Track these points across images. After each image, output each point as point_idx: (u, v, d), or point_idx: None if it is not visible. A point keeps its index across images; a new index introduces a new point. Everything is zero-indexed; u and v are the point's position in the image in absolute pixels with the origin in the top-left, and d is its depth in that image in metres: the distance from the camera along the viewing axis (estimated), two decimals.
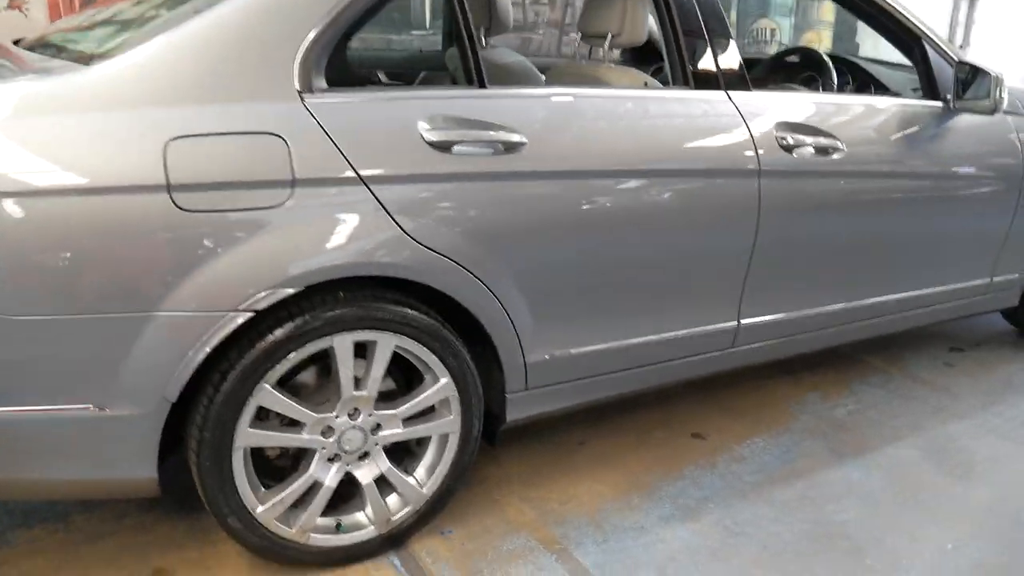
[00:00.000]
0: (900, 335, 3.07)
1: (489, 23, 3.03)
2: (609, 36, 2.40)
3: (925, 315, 2.84)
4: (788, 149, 2.25)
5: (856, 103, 2.53)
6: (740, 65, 2.26)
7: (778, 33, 6.40)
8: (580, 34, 2.61)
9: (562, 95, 2.09)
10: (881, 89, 2.93)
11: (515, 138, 1.88)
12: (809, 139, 2.29)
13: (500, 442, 2.22)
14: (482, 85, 1.93)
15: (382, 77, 3.13)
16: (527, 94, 2.05)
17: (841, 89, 2.97)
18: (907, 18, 2.57)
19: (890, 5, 2.54)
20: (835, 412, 2.73)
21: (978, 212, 2.75)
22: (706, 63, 2.22)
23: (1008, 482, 2.35)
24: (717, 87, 2.22)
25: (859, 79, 3.00)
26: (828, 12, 6.77)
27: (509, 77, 2.84)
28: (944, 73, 2.60)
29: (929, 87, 2.63)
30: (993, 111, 2.49)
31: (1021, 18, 8.06)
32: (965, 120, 2.63)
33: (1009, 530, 2.14)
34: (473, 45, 1.93)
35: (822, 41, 6.78)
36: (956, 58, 2.59)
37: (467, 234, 1.86)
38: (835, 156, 2.34)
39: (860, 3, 2.53)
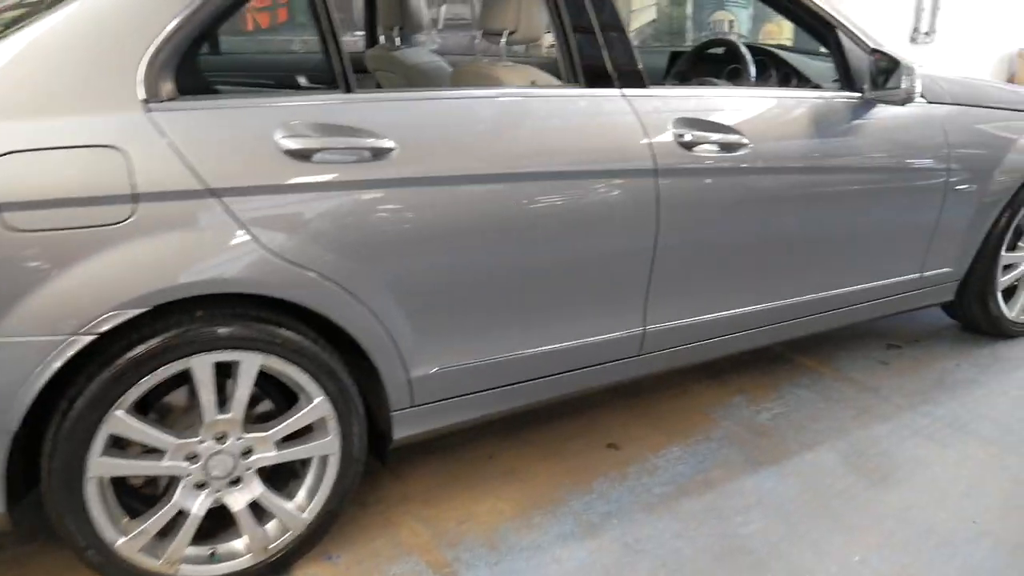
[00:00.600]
0: (836, 332, 2.99)
1: (402, 21, 2.94)
2: (505, 33, 2.31)
3: (852, 313, 2.75)
4: (688, 146, 2.17)
5: (764, 96, 2.44)
6: (634, 61, 2.17)
7: (736, 25, 6.30)
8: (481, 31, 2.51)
9: (437, 97, 2.00)
10: (803, 81, 2.83)
11: (383, 144, 1.79)
12: (711, 135, 2.21)
13: (390, 460, 2.14)
14: (348, 89, 1.84)
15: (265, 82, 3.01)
16: (397, 97, 1.96)
17: (763, 81, 2.87)
18: (819, 6, 2.48)
19: None
20: (758, 417, 2.65)
21: (903, 206, 2.66)
22: (597, 59, 2.13)
23: (925, 487, 2.27)
24: (609, 84, 2.13)
25: (782, 71, 2.91)
26: None
27: (419, 77, 2.76)
28: (861, 63, 2.51)
29: (845, 78, 2.54)
30: (905, 102, 2.40)
31: (987, 4, 7.98)
32: (885, 111, 2.54)
33: (918, 539, 2.06)
34: (338, 45, 1.83)
35: (783, 32, 6.67)
36: (871, 47, 2.49)
37: (334, 246, 1.77)
38: (740, 152, 2.25)
39: None
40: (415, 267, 1.88)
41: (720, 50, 3.01)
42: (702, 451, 2.46)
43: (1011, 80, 8.45)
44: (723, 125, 2.23)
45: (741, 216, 2.32)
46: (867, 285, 2.71)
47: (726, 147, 2.23)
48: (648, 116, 2.13)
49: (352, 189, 1.78)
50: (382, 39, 3.21)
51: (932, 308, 3.07)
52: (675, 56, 3.35)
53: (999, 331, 3.14)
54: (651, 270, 2.21)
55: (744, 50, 2.81)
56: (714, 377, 2.89)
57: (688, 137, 2.16)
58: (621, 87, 2.14)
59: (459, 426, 2.15)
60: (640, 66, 2.18)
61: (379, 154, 1.79)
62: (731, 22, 6.24)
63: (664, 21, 6.16)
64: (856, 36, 2.52)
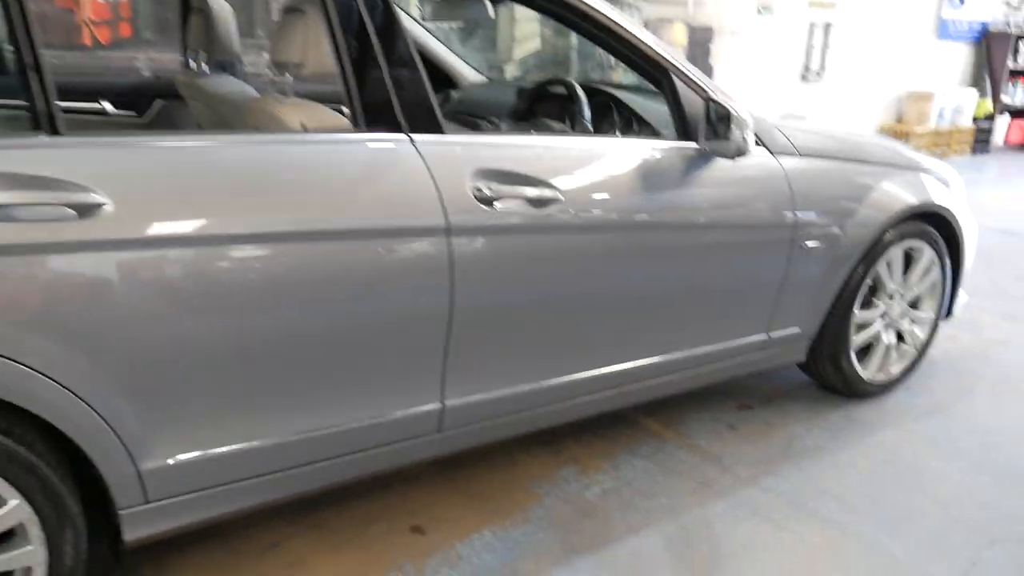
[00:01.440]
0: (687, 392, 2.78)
1: (208, 45, 2.63)
2: (291, 66, 2.03)
3: (692, 378, 2.55)
4: (487, 201, 1.91)
5: (583, 145, 2.21)
6: (428, 101, 1.91)
7: None
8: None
9: (170, 144, 1.70)
10: (645, 127, 2.63)
11: (92, 199, 1.48)
12: (517, 189, 1.96)
13: (123, 562, 1.81)
14: (55, 131, 1.52)
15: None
16: (116, 143, 1.65)
17: (602, 127, 2.65)
18: (651, 48, 2.27)
19: (631, 33, 2.23)
20: (587, 492, 2.40)
21: (743, 265, 2.47)
22: (382, 99, 1.86)
23: None
24: (396, 128, 1.87)
25: (627, 116, 2.70)
26: (680, 33, 6.58)
27: (222, 109, 2.46)
28: (698, 111, 2.30)
29: (681, 126, 2.34)
30: (735, 155, 2.21)
31: (876, 42, 8.08)
32: (724, 163, 2.34)
33: None
34: (41, 73, 1.52)
35: None
36: (708, 94, 2.29)
37: (29, 323, 1.45)
38: (551, 208, 2.01)
39: (595, 31, 2.21)
40: (141, 346, 1.58)
41: (563, 90, 2.79)
42: (516, 536, 2.19)
43: (899, 120, 8.58)
44: (532, 177, 1.99)
45: (554, 278, 2.08)
46: (707, 348, 2.50)
47: (535, 202, 1.99)
48: (441, 166, 1.87)
49: (49, 253, 1.47)
50: (191, 62, 2.89)
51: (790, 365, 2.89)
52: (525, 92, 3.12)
53: (854, 392, 2.98)
54: (447, 340, 1.95)
55: (579, 92, 2.58)
56: (547, 444, 2.64)
57: (488, 191, 1.91)
58: (410, 132, 1.88)
59: (219, 520, 1.84)
60: (435, 108, 1.92)
61: (86, 211, 1.48)
62: None
63: (548, 51, 5.98)
64: (692, 81, 2.32)
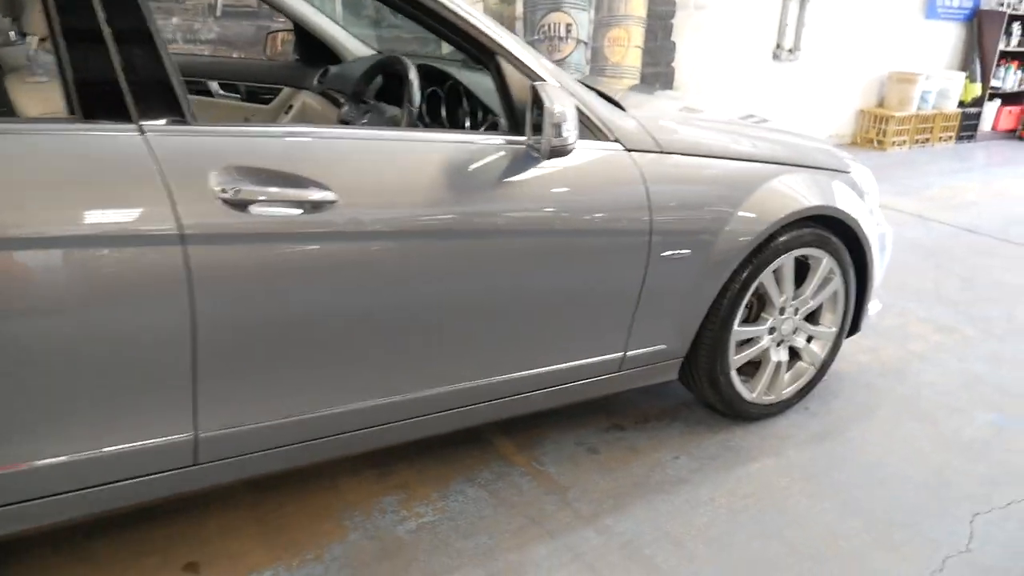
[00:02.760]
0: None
1: (13, 11, 2.33)
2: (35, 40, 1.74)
3: (532, 401, 2.27)
4: (238, 205, 1.63)
5: (374, 139, 1.88)
6: (168, 84, 1.62)
7: (575, 29, 5.80)
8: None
9: None
10: (488, 117, 2.32)
11: None
12: (278, 190, 1.68)
13: None
14: None
15: None
16: None
17: (445, 113, 2.35)
18: (475, 26, 1.96)
19: (448, 8, 1.92)
20: (400, 527, 2.14)
21: (586, 277, 2.18)
22: (105, 81, 1.57)
23: None
24: (123, 117, 1.58)
25: (475, 102, 2.39)
26: (639, 6, 6.21)
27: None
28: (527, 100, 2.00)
29: (511, 118, 2.04)
30: (550, 155, 1.90)
31: (857, 20, 7.68)
32: (559, 160, 2.04)
33: None
34: None
35: (631, 40, 6.22)
36: (536, 78, 2.00)
37: None
38: (325, 213, 1.73)
39: (405, 4, 1.91)
40: None
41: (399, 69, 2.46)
42: None
43: (880, 104, 8.21)
44: (300, 176, 1.71)
45: (332, 292, 1.80)
46: (548, 368, 2.23)
47: (303, 205, 1.70)
48: (176, 163, 1.59)
49: None
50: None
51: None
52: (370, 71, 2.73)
53: (737, 414, 2.71)
54: (193, 364, 1.68)
55: (412, 74, 2.27)
56: (378, 465, 2.38)
57: (237, 192, 1.63)
58: (141, 121, 1.59)
59: None
60: (178, 93, 1.63)
61: None
62: (568, 26, 5.74)
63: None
64: (523, 64, 2.02)
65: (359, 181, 1.80)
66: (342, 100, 2.81)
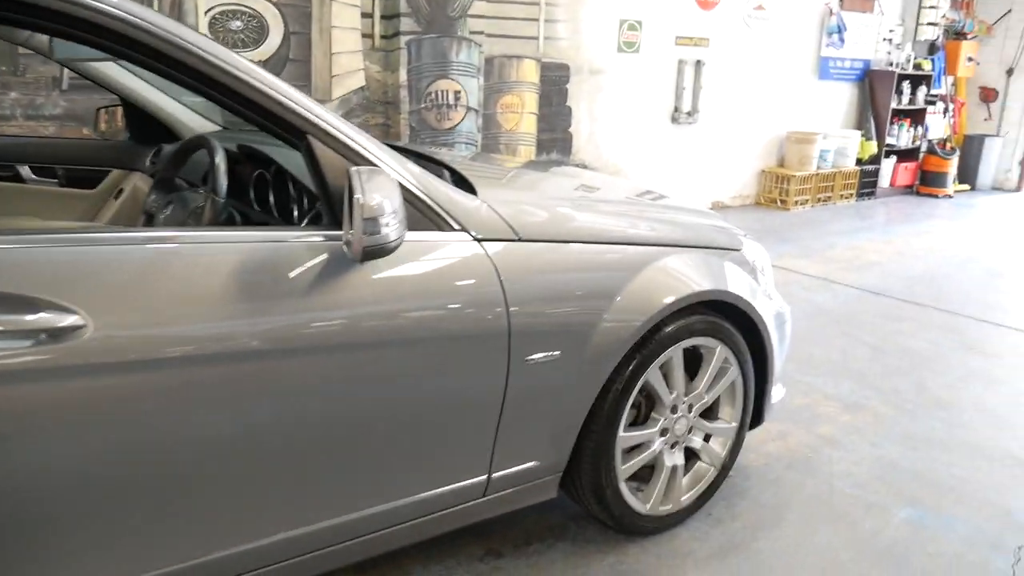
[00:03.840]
0: None
1: None
2: None
3: (383, 541, 1.88)
4: None
5: (146, 242, 1.49)
6: None
7: (464, 96, 5.56)
8: None
9: None
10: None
11: None
12: (4, 318, 1.28)
13: None
14: None
15: None
16: None
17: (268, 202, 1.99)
18: (277, 99, 1.61)
19: (239, 79, 1.57)
20: None
21: (436, 391, 1.83)
22: None
23: None
24: None
25: (302, 187, 2.04)
26: (531, 71, 6.03)
27: None
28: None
29: (331, 210, 1.69)
30: (363, 258, 1.55)
31: (752, 82, 7.70)
32: (409, 249, 1.71)
33: None
34: None
35: (524, 106, 6.03)
36: (358, 165, 1.66)
37: None
38: (70, 342, 1.33)
39: (190, 79, 1.55)
40: None
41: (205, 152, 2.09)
42: None
43: (780, 164, 8.22)
44: (34, 299, 1.32)
45: (78, 447, 1.40)
46: (391, 504, 1.85)
47: (36, 334, 1.31)
48: None
49: None
50: None
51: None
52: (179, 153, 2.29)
53: (630, 530, 2.37)
54: None
55: (219, 158, 1.90)
56: None
57: None
58: None
59: None
60: None
61: None
62: (457, 93, 5.50)
63: (376, 88, 5.34)
64: (344, 146, 1.68)
65: (120, 298, 1.41)
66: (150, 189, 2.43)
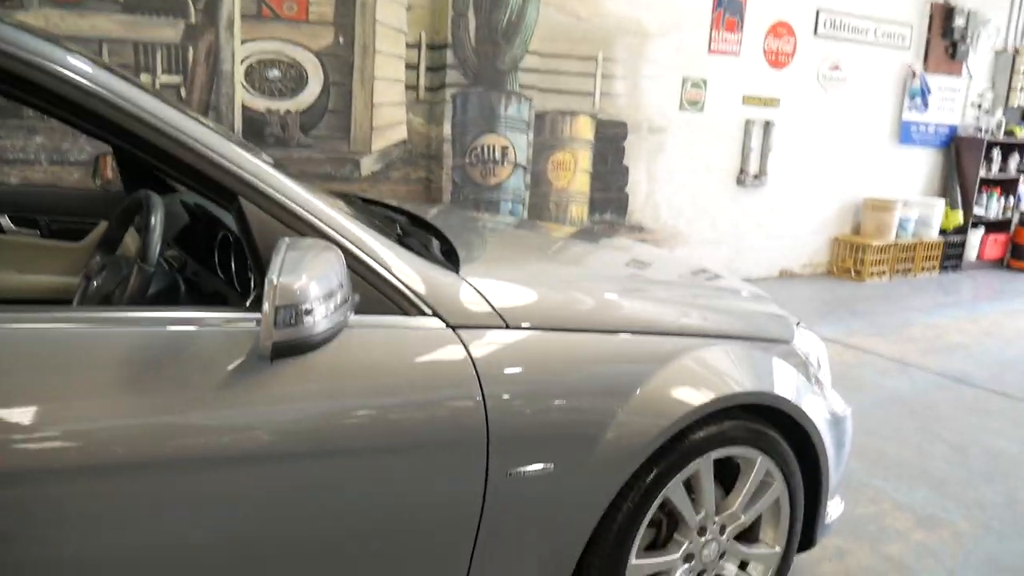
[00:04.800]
0: None
1: None
2: None
3: None
4: None
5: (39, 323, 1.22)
6: None
7: (511, 152, 5.29)
8: None
9: None
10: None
11: None
12: None
13: None
14: None
15: None
16: None
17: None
18: (205, 154, 1.33)
19: (156, 120, 1.29)
20: None
21: (388, 511, 1.48)
22: None
23: None
24: None
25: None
26: (585, 128, 5.74)
27: None
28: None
29: (260, 281, 1.38)
30: (272, 355, 1.23)
31: (826, 145, 7.26)
32: (357, 339, 1.39)
33: None
34: None
35: (577, 164, 5.72)
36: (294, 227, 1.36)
37: None
38: None
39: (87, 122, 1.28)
40: None
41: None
42: None
43: (856, 232, 7.72)
44: None
45: None
46: None
47: None
48: None
49: None
50: None
51: None
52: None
53: None
54: None
55: (155, 220, 1.61)
56: None
57: None
58: None
59: None
60: None
61: None
62: (504, 148, 5.23)
63: (419, 142, 5.11)
64: (283, 209, 1.38)
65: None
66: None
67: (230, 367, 1.29)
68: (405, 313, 1.49)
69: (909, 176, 8.10)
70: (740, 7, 6.42)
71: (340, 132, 4.79)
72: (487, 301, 1.60)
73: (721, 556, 2.02)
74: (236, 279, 1.84)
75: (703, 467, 1.88)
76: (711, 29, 6.29)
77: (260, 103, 4.55)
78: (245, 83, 4.50)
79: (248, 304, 1.41)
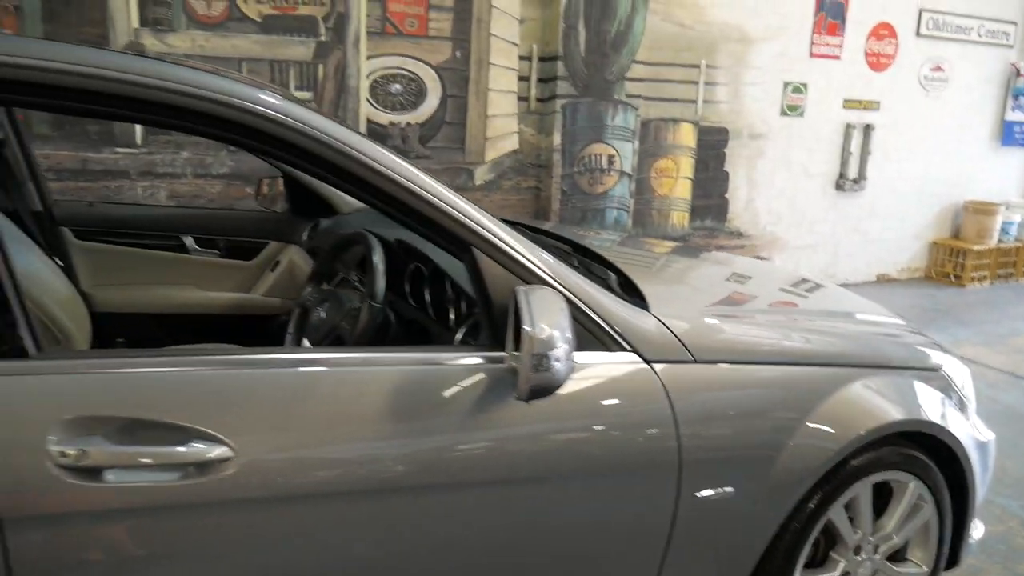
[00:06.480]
0: None
1: None
2: None
3: None
4: (88, 472, 1.17)
5: (290, 367, 1.40)
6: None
7: (617, 160, 5.41)
8: None
9: None
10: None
11: None
12: (146, 448, 1.21)
13: None
14: None
15: None
16: None
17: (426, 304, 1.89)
18: (443, 209, 1.50)
19: (405, 181, 1.47)
20: None
21: (594, 529, 1.65)
22: None
23: None
24: None
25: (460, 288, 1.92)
26: (687, 135, 5.82)
27: None
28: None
29: (492, 327, 1.55)
30: (528, 396, 1.39)
31: (926, 148, 7.18)
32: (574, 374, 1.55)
33: None
34: None
35: (679, 171, 5.81)
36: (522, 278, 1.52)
37: None
38: (216, 474, 1.25)
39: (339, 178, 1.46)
40: None
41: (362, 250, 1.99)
42: None
43: (955, 236, 7.61)
44: (180, 427, 1.24)
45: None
46: None
47: (183, 467, 1.23)
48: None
49: None
50: None
51: None
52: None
53: None
54: None
55: (377, 258, 1.79)
56: None
57: (87, 455, 1.16)
58: None
59: None
60: (16, 314, 1.20)
61: None
62: (611, 157, 5.36)
63: (529, 151, 5.27)
64: (513, 260, 1.55)
65: (267, 426, 1.32)
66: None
67: (472, 399, 1.47)
68: (609, 350, 1.64)
69: (1011, 178, 7.94)
70: (842, 9, 6.40)
71: (456, 143, 4.99)
72: (677, 337, 1.74)
73: (873, 575, 2.13)
74: (432, 310, 2.02)
75: (863, 491, 2.00)
76: (812, 33, 6.29)
77: (383, 116, 4.77)
78: (369, 97, 4.72)
79: (458, 340, 1.58)
